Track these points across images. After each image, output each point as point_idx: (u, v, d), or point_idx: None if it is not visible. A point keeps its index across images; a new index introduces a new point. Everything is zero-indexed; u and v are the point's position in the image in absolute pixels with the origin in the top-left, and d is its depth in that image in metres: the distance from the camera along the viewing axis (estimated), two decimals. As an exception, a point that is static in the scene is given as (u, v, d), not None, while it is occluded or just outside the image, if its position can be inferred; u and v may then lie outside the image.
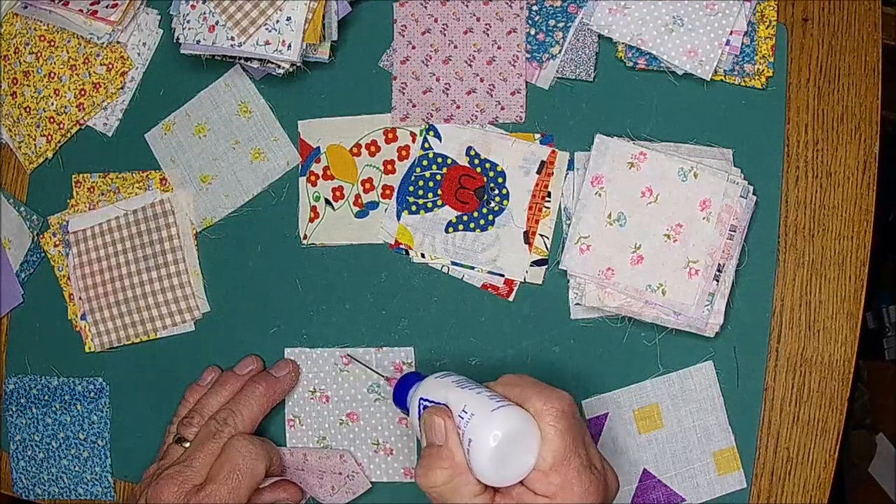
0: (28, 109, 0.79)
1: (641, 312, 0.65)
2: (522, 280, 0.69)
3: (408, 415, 0.60)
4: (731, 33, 0.64)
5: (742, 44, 0.64)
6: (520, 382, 0.55)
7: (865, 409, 1.22)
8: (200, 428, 0.67)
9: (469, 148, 0.70)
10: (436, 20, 0.70)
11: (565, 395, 0.54)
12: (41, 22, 0.78)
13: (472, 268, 0.69)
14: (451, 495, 0.52)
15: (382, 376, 0.69)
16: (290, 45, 0.67)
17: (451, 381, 0.57)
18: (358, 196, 0.72)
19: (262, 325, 0.74)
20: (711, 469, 0.66)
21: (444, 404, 0.55)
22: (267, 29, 0.67)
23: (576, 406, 0.54)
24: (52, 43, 0.78)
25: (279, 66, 0.69)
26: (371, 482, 0.71)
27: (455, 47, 0.70)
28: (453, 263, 0.70)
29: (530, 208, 0.68)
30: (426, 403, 0.57)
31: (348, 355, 0.71)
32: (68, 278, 0.78)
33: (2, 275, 0.80)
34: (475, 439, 0.52)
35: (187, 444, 0.67)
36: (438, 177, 0.70)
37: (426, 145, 0.70)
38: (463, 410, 0.53)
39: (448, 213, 0.70)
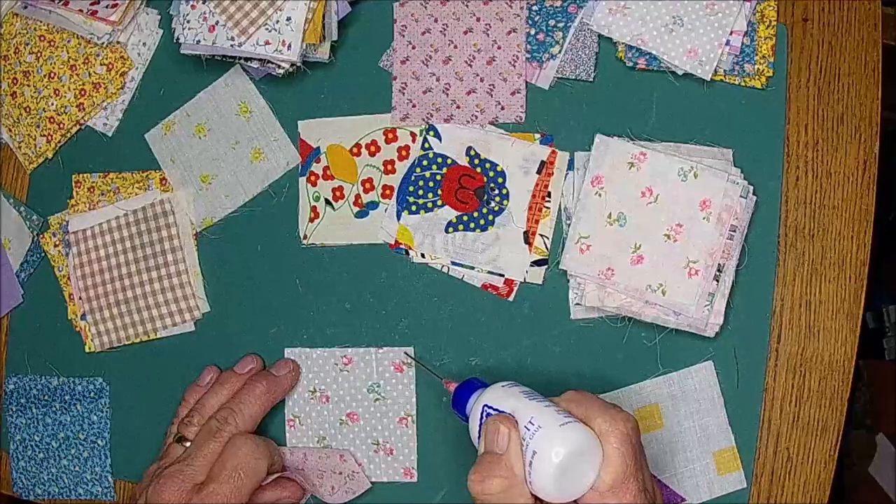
0: (28, 109, 0.79)
1: (641, 312, 0.65)
2: (522, 280, 0.69)
3: (465, 420, 0.59)
4: (731, 33, 0.64)
5: (742, 44, 0.64)
6: (584, 400, 0.54)
7: (865, 409, 1.22)
8: (201, 427, 0.67)
9: (469, 148, 0.70)
10: (436, 20, 0.70)
11: (630, 416, 0.53)
12: (41, 22, 0.78)
13: (472, 268, 0.69)
14: None
15: (439, 377, 0.67)
16: (290, 45, 0.67)
17: (519, 392, 0.56)
18: (358, 196, 0.72)
19: (262, 325, 0.74)
20: (711, 469, 0.65)
21: (509, 413, 0.54)
22: (267, 29, 0.67)
23: (639, 428, 0.53)
24: (52, 43, 0.78)
25: (279, 66, 0.69)
26: (371, 482, 0.71)
27: (455, 47, 0.70)
28: (453, 263, 0.70)
29: (530, 208, 0.68)
30: (490, 411, 0.56)
31: (406, 353, 0.70)
32: (68, 278, 0.78)
33: (2, 275, 0.80)
34: (540, 452, 0.51)
35: (188, 444, 0.67)
36: (438, 177, 0.70)
37: (426, 145, 0.70)
38: (529, 422, 0.53)
39: (448, 213, 0.70)
